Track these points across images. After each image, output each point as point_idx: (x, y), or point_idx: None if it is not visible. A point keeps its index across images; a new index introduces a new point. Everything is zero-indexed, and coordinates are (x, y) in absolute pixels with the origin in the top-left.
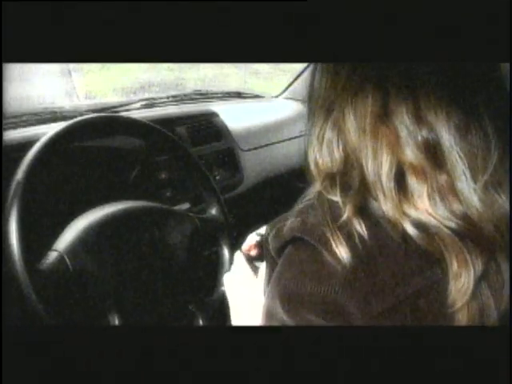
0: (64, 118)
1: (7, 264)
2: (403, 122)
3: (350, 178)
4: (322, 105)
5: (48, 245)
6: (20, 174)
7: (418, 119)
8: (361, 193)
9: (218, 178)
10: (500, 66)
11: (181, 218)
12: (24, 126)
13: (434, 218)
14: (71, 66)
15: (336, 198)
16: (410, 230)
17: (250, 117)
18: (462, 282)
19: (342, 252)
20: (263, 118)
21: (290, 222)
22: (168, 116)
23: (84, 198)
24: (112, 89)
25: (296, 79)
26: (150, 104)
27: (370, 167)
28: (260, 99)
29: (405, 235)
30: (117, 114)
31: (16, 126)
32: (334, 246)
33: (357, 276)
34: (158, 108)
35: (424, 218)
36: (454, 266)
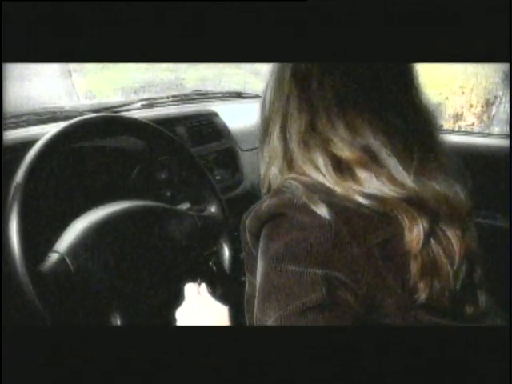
0: (64, 118)
1: (8, 266)
2: (337, 135)
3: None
4: (265, 128)
5: (49, 246)
6: (20, 175)
7: (352, 132)
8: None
9: (217, 177)
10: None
11: (181, 217)
12: (24, 126)
13: (382, 191)
14: (71, 66)
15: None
16: (361, 199)
17: (250, 117)
18: (414, 233)
19: (322, 209)
20: None
21: (266, 203)
22: (168, 116)
23: (84, 198)
24: (112, 89)
25: None
26: (150, 104)
27: (308, 169)
28: (260, 99)
29: (359, 204)
30: (117, 114)
31: (16, 126)
32: (313, 207)
33: (337, 227)
34: (158, 108)
35: (372, 191)
36: (406, 222)
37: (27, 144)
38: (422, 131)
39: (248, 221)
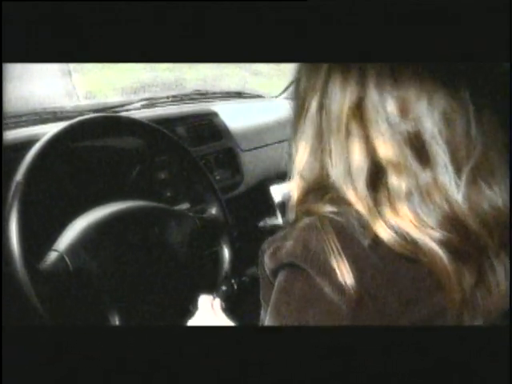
0: (64, 118)
1: (8, 265)
2: (385, 115)
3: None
4: (302, 110)
5: (48, 245)
6: (20, 174)
7: (404, 112)
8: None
9: (217, 178)
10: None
11: (181, 217)
12: (24, 126)
13: (415, 226)
14: (71, 66)
15: (336, 215)
16: (383, 232)
17: (250, 117)
18: (454, 295)
19: (348, 282)
20: (263, 118)
21: (290, 243)
22: (168, 116)
23: (84, 197)
24: (112, 89)
25: None
26: (150, 104)
27: (337, 169)
28: (260, 99)
29: (377, 240)
30: (117, 114)
31: (16, 125)
32: (339, 275)
33: (363, 308)
34: (158, 108)
35: (403, 225)
36: (443, 281)
37: (27, 144)
38: (493, 114)
39: (267, 256)
